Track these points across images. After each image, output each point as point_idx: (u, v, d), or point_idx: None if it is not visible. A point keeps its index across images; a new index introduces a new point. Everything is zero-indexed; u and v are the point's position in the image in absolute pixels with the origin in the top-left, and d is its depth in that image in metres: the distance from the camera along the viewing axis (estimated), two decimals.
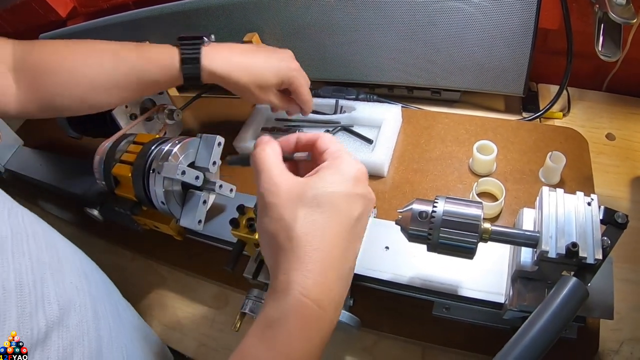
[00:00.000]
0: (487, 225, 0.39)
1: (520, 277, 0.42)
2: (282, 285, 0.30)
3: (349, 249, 0.32)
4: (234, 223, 0.42)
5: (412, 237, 0.40)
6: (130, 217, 0.61)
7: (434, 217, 0.38)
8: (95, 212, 0.59)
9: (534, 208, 0.45)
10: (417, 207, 0.39)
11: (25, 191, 0.84)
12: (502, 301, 0.44)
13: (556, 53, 0.68)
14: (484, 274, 0.46)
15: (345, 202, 0.32)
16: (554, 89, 0.72)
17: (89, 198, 0.70)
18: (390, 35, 0.66)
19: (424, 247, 0.40)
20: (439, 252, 0.40)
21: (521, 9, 0.58)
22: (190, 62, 0.53)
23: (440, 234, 0.38)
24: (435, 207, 0.38)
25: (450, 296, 0.46)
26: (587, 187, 0.56)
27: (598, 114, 0.67)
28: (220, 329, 0.58)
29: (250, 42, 0.71)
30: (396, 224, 0.41)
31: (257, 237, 0.42)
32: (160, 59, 0.54)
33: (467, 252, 0.39)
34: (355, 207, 0.32)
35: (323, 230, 0.31)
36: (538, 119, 0.68)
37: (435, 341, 0.50)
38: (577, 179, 0.57)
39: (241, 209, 0.43)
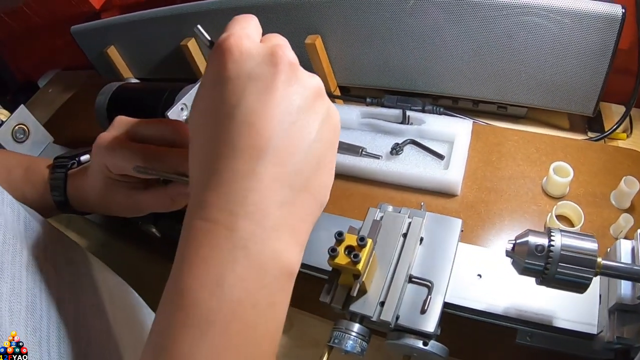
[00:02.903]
0: (598, 259, 0.40)
1: (618, 309, 0.43)
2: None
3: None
4: (333, 251, 0.42)
5: (526, 271, 0.40)
6: None
7: (552, 251, 0.39)
8: (153, 230, 0.58)
9: (630, 239, 0.46)
10: (534, 240, 0.40)
11: None
12: (595, 332, 0.45)
13: (621, 72, 0.70)
14: (574, 304, 0.47)
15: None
16: (616, 108, 0.73)
17: None
18: (462, 46, 0.66)
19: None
20: (550, 286, 0.41)
21: (603, 28, 0.59)
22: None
23: (559, 269, 0.39)
24: (553, 240, 0.39)
25: (540, 326, 0.47)
26: None
27: None
28: (283, 353, 0.58)
29: (313, 44, 0.71)
30: (507, 255, 0.42)
31: (359, 267, 0.42)
32: (35, 180, 0.50)
33: (581, 287, 0.40)
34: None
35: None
36: (603, 139, 0.69)
37: None
38: None
39: (339, 235, 0.43)
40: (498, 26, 0.62)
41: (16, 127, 0.82)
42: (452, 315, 0.49)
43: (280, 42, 0.29)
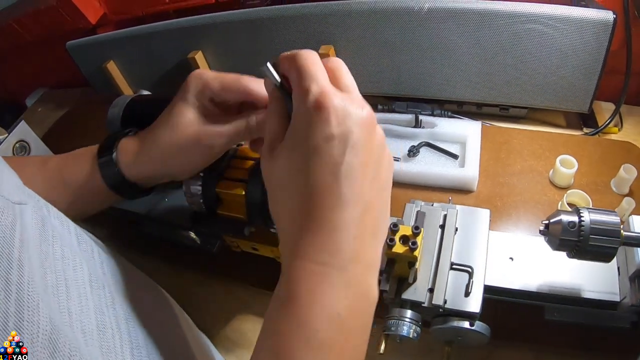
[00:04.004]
0: (621, 231, 0.47)
1: (638, 276, 0.50)
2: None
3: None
4: (391, 241, 0.47)
5: (561, 246, 0.47)
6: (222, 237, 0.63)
7: (583, 226, 0.45)
8: (193, 235, 0.61)
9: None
10: (566, 218, 0.46)
11: None
12: (618, 299, 0.52)
13: (609, 72, 0.79)
14: (596, 277, 0.53)
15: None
16: (605, 105, 0.83)
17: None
18: (470, 53, 0.74)
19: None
20: (580, 258, 0.47)
21: (596, 33, 0.68)
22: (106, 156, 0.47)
23: (590, 242, 0.45)
24: (582, 217, 0.46)
25: (569, 299, 0.54)
26: None
27: None
28: None
29: (327, 54, 0.77)
30: (541, 234, 0.48)
31: (416, 254, 0.47)
32: (79, 153, 0.50)
33: (609, 256, 0.46)
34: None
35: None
36: (597, 134, 0.78)
37: (548, 344, 0.57)
38: None
39: (394, 226, 0.48)
40: (503, 34, 0.70)
41: (17, 144, 0.83)
42: (487, 299, 0.55)
43: (348, 82, 0.33)
